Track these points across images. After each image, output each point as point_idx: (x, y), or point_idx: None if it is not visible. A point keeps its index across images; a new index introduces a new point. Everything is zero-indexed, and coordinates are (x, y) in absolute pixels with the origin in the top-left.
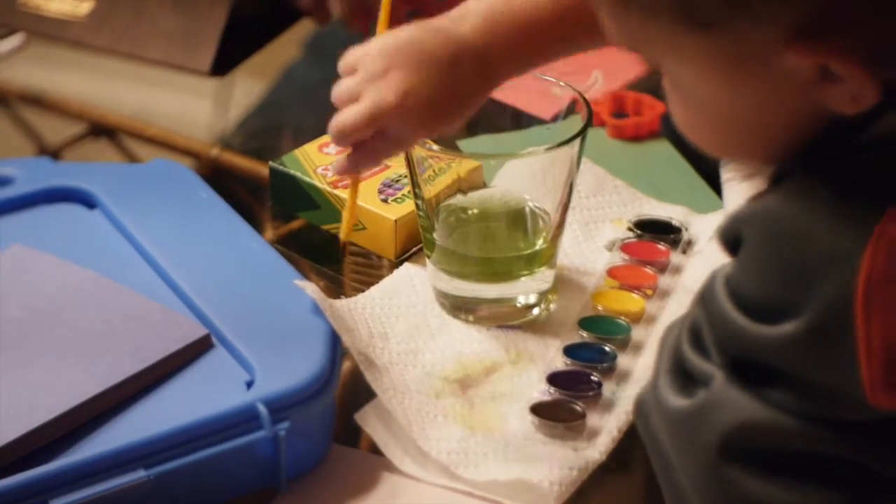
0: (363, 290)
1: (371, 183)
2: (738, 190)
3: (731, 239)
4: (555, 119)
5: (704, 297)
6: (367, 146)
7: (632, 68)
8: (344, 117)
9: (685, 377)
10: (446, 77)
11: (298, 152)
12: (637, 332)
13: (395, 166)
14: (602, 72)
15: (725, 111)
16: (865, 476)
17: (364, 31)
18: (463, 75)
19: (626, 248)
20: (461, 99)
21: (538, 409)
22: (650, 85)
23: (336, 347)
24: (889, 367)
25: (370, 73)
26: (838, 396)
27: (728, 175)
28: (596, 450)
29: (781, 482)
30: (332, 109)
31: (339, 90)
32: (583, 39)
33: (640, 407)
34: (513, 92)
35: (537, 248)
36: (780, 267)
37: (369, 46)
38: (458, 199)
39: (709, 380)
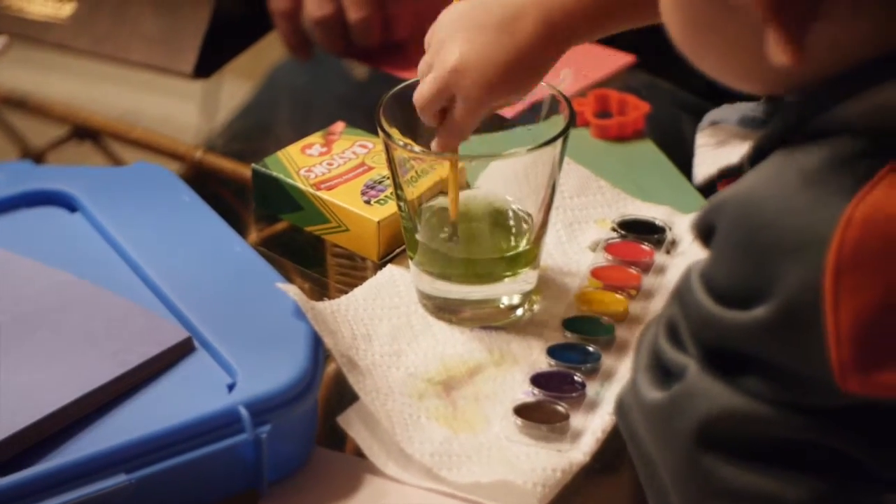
0: (347, 292)
1: (354, 184)
2: (711, 157)
3: (705, 230)
4: (519, 116)
5: (680, 291)
6: (447, 118)
7: (600, 68)
8: (418, 92)
9: (662, 372)
10: (507, 39)
11: (281, 154)
12: (621, 333)
13: (379, 168)
14: (571, 71)
15: (720, 24)
16: (845, 463)
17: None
18: (524, 37)
19: (609, 248)
20: (525, 62)
21: (522, 411)
22: (619, 83)
23: (318, 350)
24: (858, 352)
25: (437, 42)
26: (810, 382)
27: (702, 141)
28: (580, 451)
29: (759, 470)
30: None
31: (420, 66)
32: (646, 10)
33: (620, 406)
34: None
35: (520, 249)
36: (749, 251)
37: (438, 18)
38: (441, 201)
39: (683, 371)
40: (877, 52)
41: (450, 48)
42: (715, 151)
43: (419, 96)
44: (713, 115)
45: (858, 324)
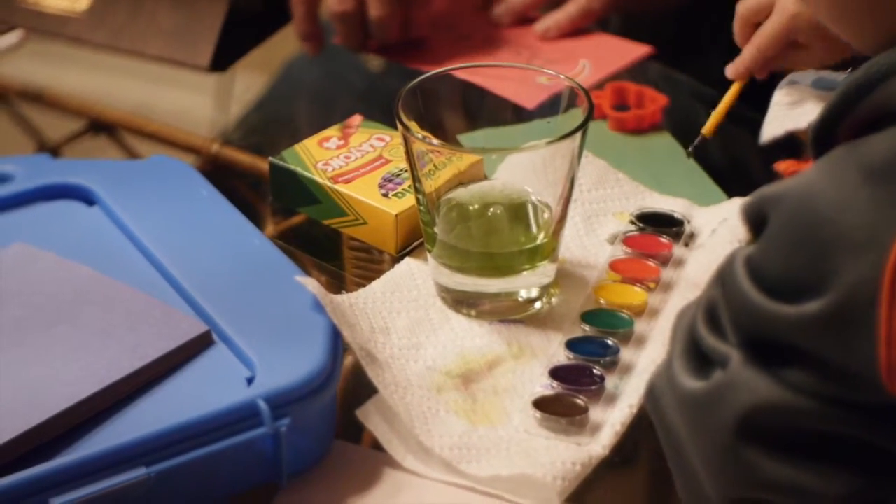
0: (364, 285)
1: (371, 177)
2: (781, 116)
3: (756, 218)
4: (538, 109)
5: (723, 277)
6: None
7: (619, 59)
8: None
9: (700, 359)
10: None
11: (298, 147)
12: (639, 326)
13: (396, 161)
14: (589, 61)
15: None
16: (885, 460)
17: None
18: None
19: (628, 241)
20: None
21: (540, 404)
22: (637, 75)
23: (337, 343)
24: None
25: None
26: (856, 379)
27: (777, 99)
28: (599, 444)
29: (798, 463)
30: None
31: None
32: None
33: (652, 390)
34: (493, 80)
35: (539, 241)
36: (806, 246)
37: None
38: (460, 193)
39: (725, 360)
40: None
41: None
42: (786, 112)
43: (745, 4)
44: (793, 74)
45: None
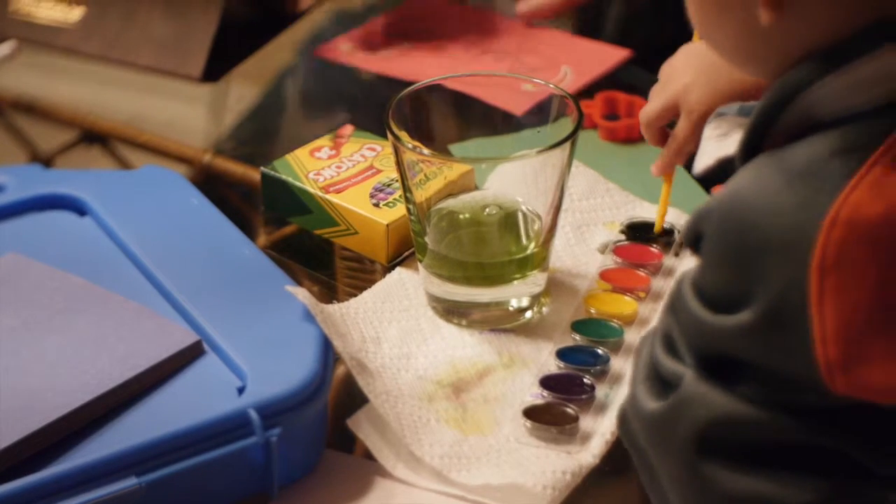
0: (356, 295)
1: (363, 187)
2: (712, 147)
3: (693, 238)
4: (527, 118)
5: (673, 300)
6: (669, 138)
7: (599, 64)
8: (645, 109)
9: (660, 383)
10: (736, 73)
11: (290, 157)
12: (630, 335)
13: (387, 170)
14: (571, 68)
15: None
16: (844, 463)
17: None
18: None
19: (618, 250)
20: (746, 93)
21: (531, 413)
22: (618, 81)
23: (328, 353)
24: (843, 352)
25: (671, 70)
26: (802, 384)
27: (707, 133)
28: (589, 453)
29: (759, 474)
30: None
31: (651, 91)
32: None
33: (622, 417)
34: (480, 87)
35: (529, 251)
36: (735, 254)
37: (675, 53)
38: (450, 203)
39: (681, 380)
40: (858, 26)
41: (682, 73)
42: (716, 144)
43: (646, 112)
44: (720, 108)
45: (843, 324)
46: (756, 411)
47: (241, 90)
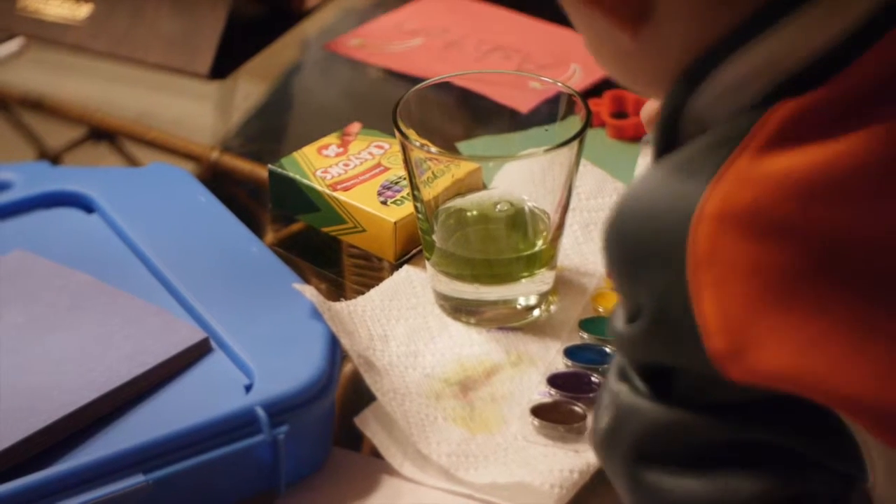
0: (363, 293)
1: (370, 185)
2: (644, 156)
3: (604, 260)
4: (535, 116)
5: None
6: None
7: None
8: (647, 106)
9: (611, 404)
10: None
11: (297, 155)
12: None
13: (395, 168)
14: (580, 65)
15: (594, 31)
16: (786, 455)
17: None
18: None
19: None
20: None
21: (538, 411)
22: None
23: (335, 350)
24: (730, 343)
25: None
26: (709, 380)
27: (640, 161)
28: None
29: (700, 476)
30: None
31: None
32: None
33: (593, 445)
34: (488, 85)
35: (537, 249)
36: (624, 263)
37: None
38: (458, 202)
39: (618, 396)
40: (715, 24)
41: None
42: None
43: (647, 109)
44: (646, 136)
45: (723, 315)
46: (683, 415)
47: (249, 87)
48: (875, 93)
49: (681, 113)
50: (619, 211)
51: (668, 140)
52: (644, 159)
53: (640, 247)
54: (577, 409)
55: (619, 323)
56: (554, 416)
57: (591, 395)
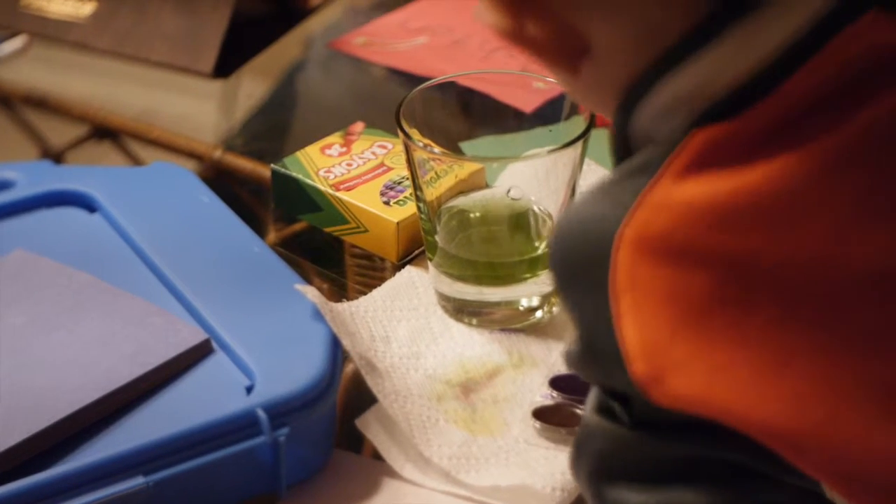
0: (365, 293)
1: (373, 185)
2: None
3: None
4: (539, 116)
5: None
6: None
7: None
8: None
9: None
10: None
11: (300, 154)
12: None
13: (398, 168)
14: None
15: None
16: (737, 469)
17: None
18: None
19: None
20: None
21: (540, 414)
22: None
23: (337, 352)
24: (649, 367)
25: None
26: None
27: None
28: None
29: (657, 491)
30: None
31: None
32: None
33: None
34: (492, 85)
35: (540, 250)
36: (560, 283)
37: None
38: (461, 202)
39: (583, 418)
40: (646, 56)
41: None
42: None
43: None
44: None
45: (641, 340)
46: (635, 433)
47: (252, 86)
48: (792, 121)
49: (626, 133)
50: (556, 232)
51: (622, 156)
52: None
53: (571, 269)
54: (578, 411)
55: (570, 344)
56: (556, 419)
57: None
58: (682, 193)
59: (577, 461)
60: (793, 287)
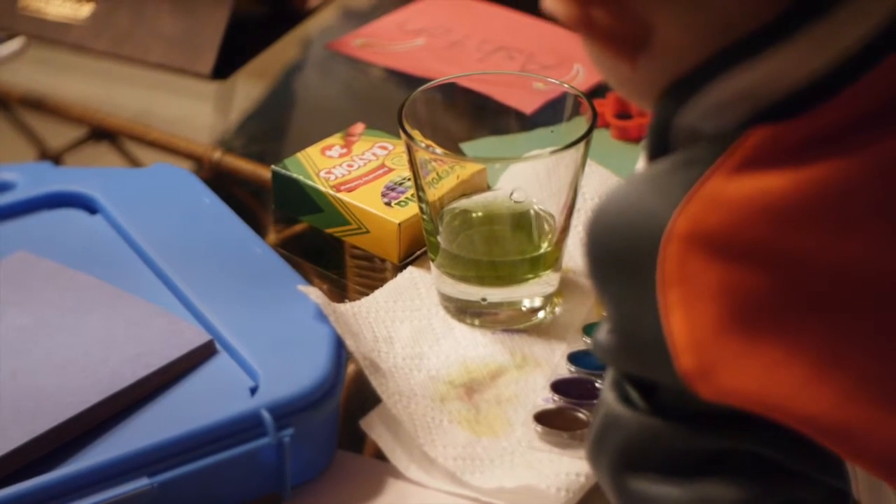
0: (367, 294)
1: (374, 186)
2: (642, 160)
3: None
4: (540, 117)
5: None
6: None
7: None
8: None
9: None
10: None
11: (301, 155)
12: None
13: (399, 169)
14: (583, 66)
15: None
16: (763, 463)
17: None
18: None
19: None
20: None
21: (542, 418)
22: None
23: (341, 353)
24: (698, 362)
25: None
26: (685, 391)
27: (639, 164)
28: None
29: (682, 484)
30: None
31: None
32: None
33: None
34: (493, 86)
35: (542, 251)
36: (598, 274)
37: None
38: (463, 203)
39: (605, 404)
40: (709, 51)
41: None
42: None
43: None
44: (644, 140)
45: (691, 335)
46: (665, 424)
47: (251, 87)
48: (853, 125)
49: (670, 125)
50: (594, 220)
51: (659, 149)
52: (642, 164)
53: (612, 259)
54: (580, 415)
55: (602, 333)
56: (558, 423)
57: (594, 401)
58: (738, 189)
59: (597, 451)
60: (846, 288)
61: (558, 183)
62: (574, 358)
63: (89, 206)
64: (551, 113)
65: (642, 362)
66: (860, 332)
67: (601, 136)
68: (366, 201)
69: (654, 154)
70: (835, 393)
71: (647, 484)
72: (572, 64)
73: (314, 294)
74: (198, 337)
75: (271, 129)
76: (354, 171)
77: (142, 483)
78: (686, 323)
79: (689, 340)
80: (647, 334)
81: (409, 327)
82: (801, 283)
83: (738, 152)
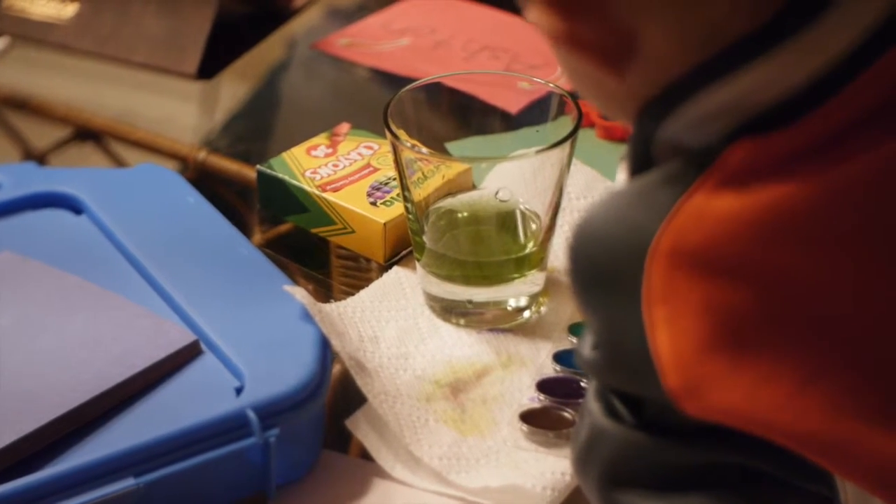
0: (352, 294)
1: (360, 186)
2: (622, 172)
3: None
4: (525, 116)
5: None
6: None
7: None
8: None
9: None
10: None
11: (286, 155)
12: None
13: (385, 169)
14: None
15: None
16: (752, 477)
17: None
18: None
19: None
20: None
21: (527, 417)
22: None
23: (326, 352)
24: (683, 379)
25: None
26: (670, 406)
27: (618, 177)
28: None
29: (668, 498)
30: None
31: None
32: None
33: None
34: (478, 86)
35: (528, 250)
36: (582, 290)
37: None
38: (448, 202)
39: (591, 416)
40: (695, 61)
41: None
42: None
43: None
44: (623, 151)
45: (677, 352)
46: (650, 438)
47: (236, 87)
48: (838, 136)
49: (652, 138)
50: (578, 235)
51: (641, 162)
52: (622, 175)
53: (598, 275)
54: (566, 414)
55: (586, 349)
56: (543, 422)
57: (580, 400)
58: (722, 206)
59: (584, 466)
60: (830, 304)
61: (544, 182)
62: (559, 357)
63: (74, 207)
64: (537, 112)
65: (629, 378)
66: (845, 347)
67: (586, 136)
68: (351, 201)
69: (637, 167)
70: (821, 408)
71: (634, 499)
72: (557, 64)
73: (300, 294)
74: (183, 337)
75: (256, 129)
76: (340, 170)
77: (128, 483)
78: (672, 340)
79: (675, 358)
80: (632, 350)
81: (394, 327)
82: (786, 299)
83: (722, 168)
